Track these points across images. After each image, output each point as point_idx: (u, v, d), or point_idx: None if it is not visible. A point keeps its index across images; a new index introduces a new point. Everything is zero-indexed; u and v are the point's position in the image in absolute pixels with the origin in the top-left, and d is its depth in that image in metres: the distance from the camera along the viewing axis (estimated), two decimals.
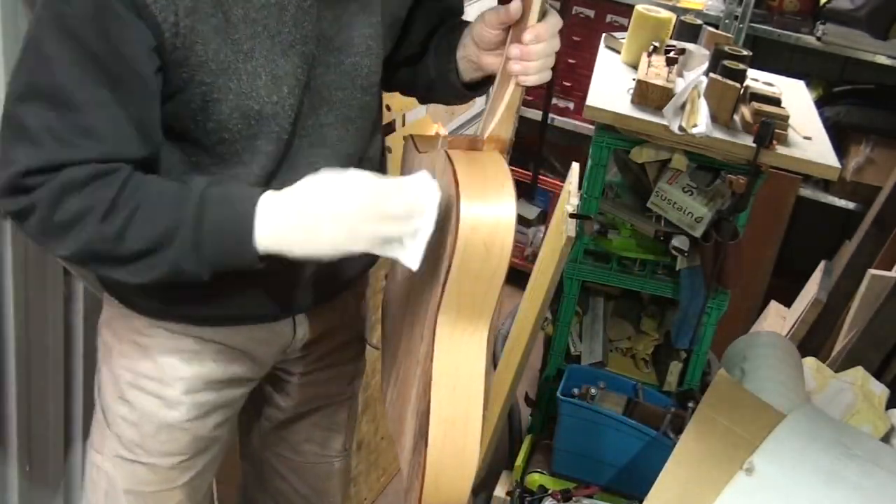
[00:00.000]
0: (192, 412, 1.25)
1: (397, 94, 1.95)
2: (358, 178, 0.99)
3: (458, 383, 1.06)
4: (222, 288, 1.14)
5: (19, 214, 0.99)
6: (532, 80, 1.08)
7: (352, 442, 1.58)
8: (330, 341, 1.39)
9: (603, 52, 2.17)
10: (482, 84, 1.25)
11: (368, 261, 1.35)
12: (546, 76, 1.10)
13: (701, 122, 1.73)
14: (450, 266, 0.99)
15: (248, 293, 1.19)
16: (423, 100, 1.43)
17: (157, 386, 1.22)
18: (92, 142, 0.96)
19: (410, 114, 2.08)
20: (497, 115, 1.08)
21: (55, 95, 0.95)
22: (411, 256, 0.99)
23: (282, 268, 1.13)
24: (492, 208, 0.99)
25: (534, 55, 1.06)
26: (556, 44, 1.08)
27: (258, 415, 1.47)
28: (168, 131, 1.05)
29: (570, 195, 1.32)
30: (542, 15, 1.06)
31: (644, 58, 1.95)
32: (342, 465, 1.55)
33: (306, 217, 0.98)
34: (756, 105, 1.80)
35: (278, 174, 1.11)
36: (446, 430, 1.06)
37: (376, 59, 1.17)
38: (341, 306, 1.38)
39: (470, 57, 1.20)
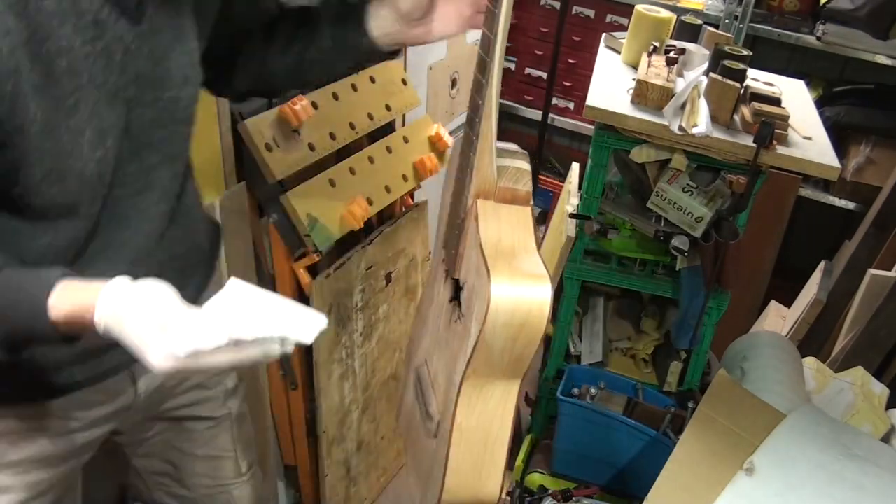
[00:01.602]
0: (25, 494, 1.11)
1: (396, 93, 1.97)
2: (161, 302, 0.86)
3: (478, 441, 1.07)
4: (46, 363, 1.04)
5: None
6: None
7: (253, 460, 1.46)
8: (174, 382, 1.27)
9: (603, 52, 2.17)
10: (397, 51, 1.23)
11: (202, 282, 1.23)
12: None
13: (701, 122, 1.73)
14: (479, 339, 0.95)
15: (78, 361, 1.06)
16: (292, 84, 1.37)
17: None
18: None
19: (410, 114, 2.08)
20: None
21: None
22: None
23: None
24: (524, 290, 0.93)
25: None
26: None
27: (129, 457, 1.36)
28: None
29: (570, 195, 1.32)
30: None
31: (644, 58, 1.95)
32: (244, 490, 1.43)
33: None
34: (756, 105, 1.80)
35: (101, 232, 1.00)
36: (475, 454, 1.09)
37: (194, 88, 1.07)
38: None
39: (389, 32, 1.16)
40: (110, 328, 0.85)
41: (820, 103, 2.67)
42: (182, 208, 1.13)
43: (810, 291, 2.68)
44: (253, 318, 0.84)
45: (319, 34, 1.21)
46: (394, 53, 1.24)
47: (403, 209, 2.10)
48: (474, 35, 1.12)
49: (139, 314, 0.84)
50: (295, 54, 1.23)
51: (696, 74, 1.88)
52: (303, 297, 1.75)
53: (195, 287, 1.21)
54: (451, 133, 2.19)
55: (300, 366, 1.84)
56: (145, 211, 1.03)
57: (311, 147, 1.71)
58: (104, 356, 1.09)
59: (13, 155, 0.86)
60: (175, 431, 1.34)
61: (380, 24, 1.17)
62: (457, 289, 1.14)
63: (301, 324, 0.86)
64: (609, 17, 2.97)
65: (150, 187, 1.04)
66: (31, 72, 0.84)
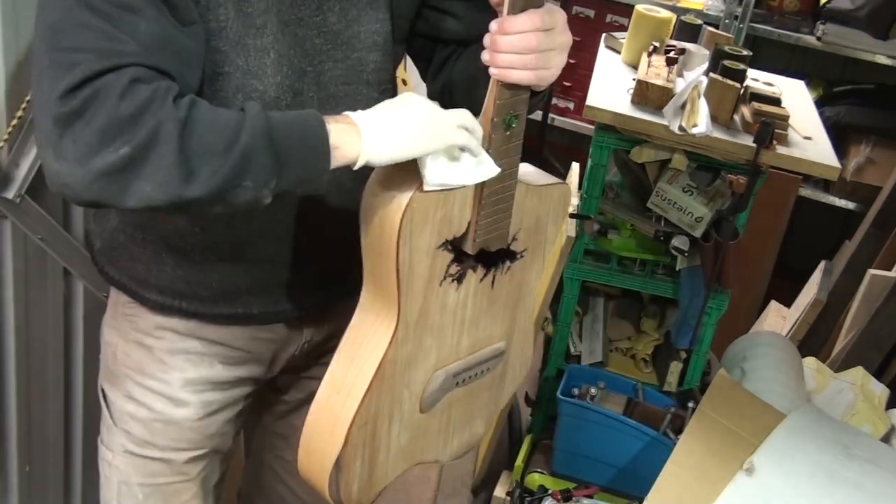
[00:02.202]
0: (201, 411, 1.25)
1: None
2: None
3: (356, 358, 1.09)
4: (230, 285, 1.15)
5: (78, 112, 0.86)
6: (506, 74, 1.00)
7: None
8: (335, 340, 1.37)
9: (603, 52, 2.17)
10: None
11: None
12: (526, 76, 1.01)
13: (701, 122, 1.73)
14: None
15: (255, 293, 1.18)
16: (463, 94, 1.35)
17: (164, 386, 1.23)
18: (144, 49, 0.90)
19: None
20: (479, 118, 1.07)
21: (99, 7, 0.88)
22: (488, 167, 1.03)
23: (290, 264, 1.14)
24: (392, 193, 1.00)
25: (501, 46, 0.99)
26: (536, 41, 0.99)
27: (262, 408, 1.47)
28: None
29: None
30: (523, 8, 0.98)
31: (644, 58, 1.95)
32: None
33: (383, 116, 0.98)
34: (756, 105, 1.80)
35: None
36: (330, 395, 1.09)
37: (384, 55, 1.15)
38: (348, 309, 1.37)
39: None
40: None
41: (820, 103, 2.67)
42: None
43: (810, 291, 2.68)
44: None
45: (467, 56, 1.22)
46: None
47: None
48: None
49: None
50: (456, 72, 1.25)
51: (696, 74, 1.88)
52: None
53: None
54: None
55: None
56: None
57: None
58: (280, 299, 1.20)
59: (215, 59, 0.97)
60: (307, 393, 1.39)
61: None
62: (488, 259, 1.15)
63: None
64: (609, 17, 2.97)
65: None
66: None
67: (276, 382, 1.41)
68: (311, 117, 0.95)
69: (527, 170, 1.15)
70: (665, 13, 2.06)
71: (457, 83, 1.23)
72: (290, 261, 1.19)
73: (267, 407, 1.46)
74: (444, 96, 1.25)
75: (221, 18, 0.97)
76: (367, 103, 1.10)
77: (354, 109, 1.10)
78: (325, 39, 1.08)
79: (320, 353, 1.38)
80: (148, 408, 1.24)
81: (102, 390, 1.30)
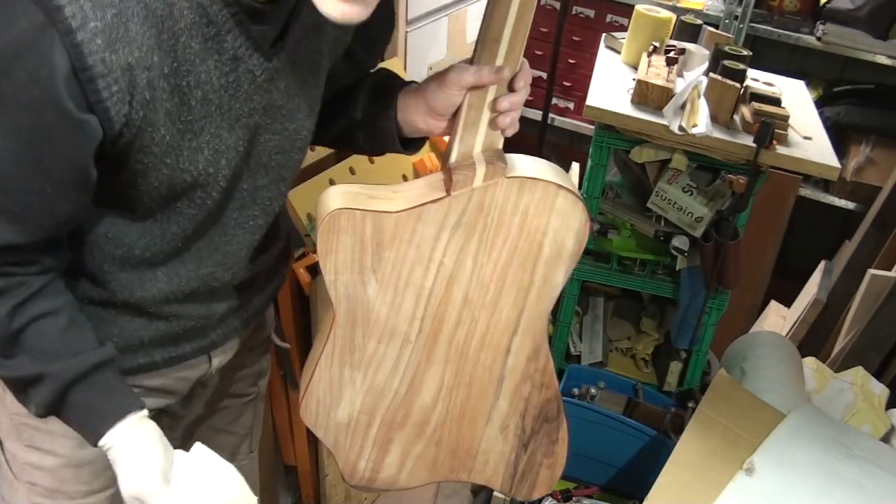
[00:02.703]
0: None
1: None
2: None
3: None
4: (133, 339, 1.12)
5: None
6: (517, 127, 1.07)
7: (256, 444, 1.52)
8: (238, 354, 1.35)
9: (603, 52, 2.17)
10: (417, 142, 1.22)
11: (277, 286, 1.32)
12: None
13: (701, 122, 1.73)
14: None
15: (157, 343, 1.14)
16: (348, 146, 1.36)
17: (66, 427, 1.08)
18: (13, 227, 0.91)
19: None
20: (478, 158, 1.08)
21: None
22: None
23: (191, 312, 1.13)
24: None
25: (521, 104, 1.04)
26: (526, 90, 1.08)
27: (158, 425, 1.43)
28: None
29: None
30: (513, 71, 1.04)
31: (644, 58, 1.95)
32: (249, 467, 1.50)
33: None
34: (756, 105, 1.80)
35: (202, 235, 1.07)
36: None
37: (315, 118, 1.14)
38: (254, 328, 1.36)
39: (412, 121, 1.14)
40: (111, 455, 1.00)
41: (820, 103, 2.67)
42: (275, 222, 1.20)
43: (810, 291, 2.67)
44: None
45: (354, 105, 1.23)
46: (412, 146, 1.23)
47: None
48: (474, 35, 1.10)
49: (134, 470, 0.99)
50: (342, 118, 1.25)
51: (696, 74, 1.88)
52: (303, 297, 1.76)
53: (272, 290, 1.30)
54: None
55: (300, 366, 1.84)
56: (244, 224, 1.10)
57: (311, 147, 1.71)
58: (183, 343, 1.17)
59: (136, 168, 0.94)
60: (214, 406, 1.40)
61: (406, 114, 1.17)
62: None
63: None
64: (609, 17, 2.97)
65: (254, 203, 1.10)
66: (166, 101, 0.91)
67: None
68: (106, 417, 0.98)
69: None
70: (665, 13, 2.06)
71: (361, 122, 1.22)
72: (195, 313, 1.15)
73: (164, 423, 1.41)
74: (352, 136, 1.24)
75: (146, 139, 0.92)
76: (294, 167, 1.13)
77: (283, 177, 1.13)
78: (267, 116, 1.04)
79: (222, 369, 1.33)
80: (54, 454, 1.14)
81: (0, 442, 1.19)
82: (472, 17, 2.49)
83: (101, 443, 0.99)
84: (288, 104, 1.06)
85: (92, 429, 0.99)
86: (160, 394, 1.21)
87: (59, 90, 0.83)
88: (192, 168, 0.98)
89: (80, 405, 0.99)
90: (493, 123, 1.05)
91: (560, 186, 1.07)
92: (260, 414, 1.52)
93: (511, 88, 1.04)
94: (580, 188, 2.01)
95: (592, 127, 1.95)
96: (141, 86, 0.88)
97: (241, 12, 0.93)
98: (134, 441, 0.99)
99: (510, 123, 1.05)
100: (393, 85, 1.19)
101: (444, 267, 1.10)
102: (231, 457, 1.46)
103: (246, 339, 1.33)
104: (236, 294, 1.19)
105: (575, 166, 2.36)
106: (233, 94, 0.98)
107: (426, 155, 2.03)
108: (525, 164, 1.09)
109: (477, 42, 1.03)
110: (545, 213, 1.08)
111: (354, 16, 0.88)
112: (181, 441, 1.43)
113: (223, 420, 1.43)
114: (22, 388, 0.99)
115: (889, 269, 2.43)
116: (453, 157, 1.06)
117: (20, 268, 0.95)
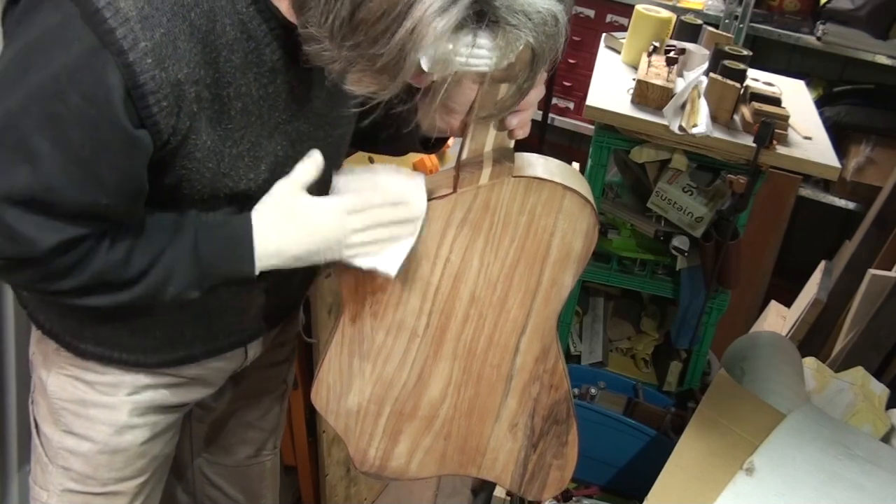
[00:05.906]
0: (147, 434, 1.20)
1: None
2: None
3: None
4: (175, 333, 1.13)
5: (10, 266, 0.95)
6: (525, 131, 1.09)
7: (280, 441, 1.55)
8: (270, 348, 1.37)
9: (603, 52, 2.17)
10: (437, 143, 1.24)
11: (309, 281, 1.34)
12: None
13: (701, 122, 1.73)
14: None
15: (199, 336, 1.16)
16: (373, 148, 1.40)
17: (106, 413, 1.16)
18: (73, 227, 0.94)
19: None
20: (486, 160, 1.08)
21: (41, 198, 0.90)
22: (390, 262, 1.04)
23: (231, 304, 1.14)
24: None
25: (532, 105, 1.06)
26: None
27: (189, 417, 1.43)
28: None
29: None
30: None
31: (644, 58, 1.95)
32: (273, 463, 1.52)
33: (297, 215, 1.02)
34: (756, 105, 1.80)
35: None
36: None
37: (355, 123, 1.17)
38: (288, 323, 1.38)
39: (430, 118, 1.15)
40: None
41: (820, 103, 2.67)
42: None
43: (810, 291, 2.67)
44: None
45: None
46: (432, 148, 1.25)
47: None
48: None
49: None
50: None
51: (696, 74, 1.88)
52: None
53: (305, 285, 1.33)
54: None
55: (300, 366, 1.84)
56: None
57: None
58: (221, 336, 1.19)
59: (181, 173, 0.98)
60: (246, 400, 1.43)
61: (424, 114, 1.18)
62: None
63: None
64: (609, 17, 2.97)
65: None
66: (208, 109, 0.95)
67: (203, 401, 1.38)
68: (239, 234, 1.02)
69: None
70: (665, 13, 2.06)
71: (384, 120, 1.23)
72: (235, 306, 1.17)
73: (191, 415, 1.43)
74: (377, 134, 1.26)
75: (191, 146, 0.96)
76: (335, 170, 1.14)
77: (324, 180, 1.13)
78: (310, 124, 1.07)
79: (258, 366, 1.36)
80: (91, 440, 1.17)
81: (34, 425, 1.22)
82: None
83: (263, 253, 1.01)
84: (331, 112, 1.09)
85: (242, 256, 1.01)
86: (197, 384, 1.24)
87: (116, 109, 0.87)
88: (234, 173, 1.01)
89: (213, 253, 1.01)
90: (501, 124, 1.05)
91: (567, 188, 1.07)
92: (284, 410, 1.54)
93: None
94: None
95: (592, 127, 1.95)
96: (189, 99, 0.92)
97: (280, 27, 0.96)
98: (282, 211, 1.03)
99: (519, 124, 1.05)
100: None
101: (450, 263, 1.11)
102: (257, 452, 1.50)
103: (278, 333, 1.35)
104: (273, 288, 1.20)
105: (575, 166, 2.36)
106: (272, 105, 1.01)
107: (426, 155, 2.03)
108: (535, 165, 1.09)
109: None
110: (552, 214, 1.08)
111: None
112: (210, 435, 1.47)
113: (252, 415, 1.46)
114: (162, 294, 1.00)
115: (889, 268, 2.43)
116: (464, 155, 1.06)
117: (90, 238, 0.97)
